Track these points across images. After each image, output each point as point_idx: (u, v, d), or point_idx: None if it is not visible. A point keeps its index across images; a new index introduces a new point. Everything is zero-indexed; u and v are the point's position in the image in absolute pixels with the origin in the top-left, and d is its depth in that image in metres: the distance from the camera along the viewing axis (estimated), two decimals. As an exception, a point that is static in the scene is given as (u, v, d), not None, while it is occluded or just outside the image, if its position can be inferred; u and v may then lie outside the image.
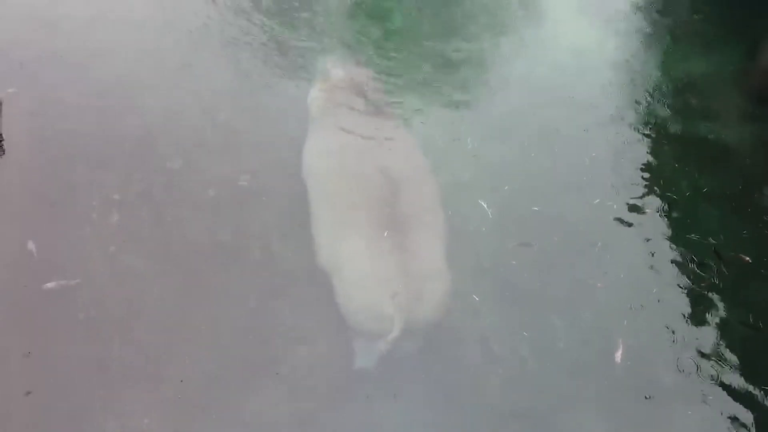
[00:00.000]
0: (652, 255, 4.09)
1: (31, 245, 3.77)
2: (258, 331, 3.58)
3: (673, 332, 3.73)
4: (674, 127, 4.97)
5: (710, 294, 3.90)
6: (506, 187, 4.35)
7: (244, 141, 4.49)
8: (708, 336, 3.71)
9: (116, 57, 4.99)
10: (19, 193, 4.07)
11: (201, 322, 3.58)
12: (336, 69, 4.57)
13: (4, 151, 4.29)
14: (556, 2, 6.01)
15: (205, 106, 4.70)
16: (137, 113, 4.58)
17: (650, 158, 4.71)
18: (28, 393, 3.24)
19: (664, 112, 5.08)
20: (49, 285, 3.61)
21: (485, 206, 4.14)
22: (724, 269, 4.00)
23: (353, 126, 4.09)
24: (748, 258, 4.03)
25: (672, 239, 4.18)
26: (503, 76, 5.21)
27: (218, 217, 4.06)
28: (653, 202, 4.39)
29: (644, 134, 4.87)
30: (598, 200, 4.35)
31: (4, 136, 4.36)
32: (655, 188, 4.49)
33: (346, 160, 3.90)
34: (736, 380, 3.53)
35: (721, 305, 3.86)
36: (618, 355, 3.61)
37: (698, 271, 4.00)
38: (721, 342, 3.69)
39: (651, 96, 5.21)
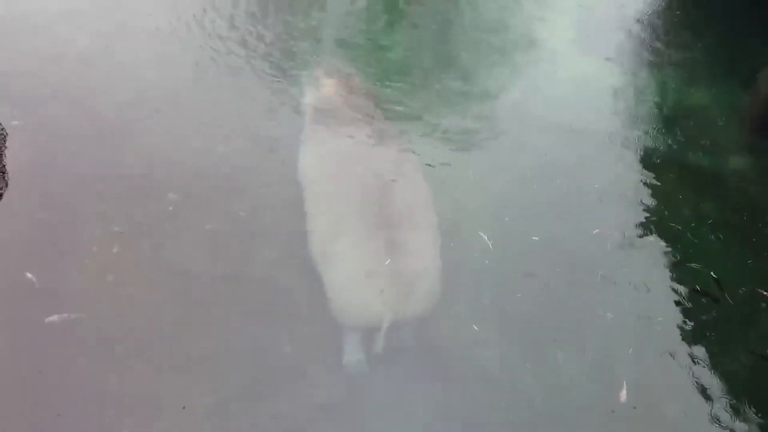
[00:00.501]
0: (656, 286, 4.06)
1: (31, 276, 3.77)
2: (258, 363, 3.56)
3: (680, 366, 3.67)
4: (675, 157, 4.98)
5: (717, 325, 3.85)
6: (507, 218, 4.35)
7: (244, 173, 4.51)
8: (715, 368, 3.65)
9: (118, 90, 5.05)
10: (21, 225, 4.09)
11: (201, 354, 3.56)
12: (326, 77, 4.73)
13: (7, 183, 4.33)
14: (554, 34, 6.06)
15: (205, 138, 4.73)
16: (139, 146, 4.62)
17: (652, 188, 4.70)
18: (31, 424, 3.22)
19: (664, 142, 5.09)
20: (52, 318, 3.61)
21: (485, 238, 4.13)
22: (729, 299, 3.95)
23: (344, 131, 4.28)
24: (766, 292, 3.98)
25: (675, 269, 4.15)
26: (503, 107, 5.24)
27: (218, 249, 4.06)
28: (656, 232, 4.37)
29: (645, 164, 4.88)
30: (597, 230, 4.34)
31: (7, 168, 4.41)
32: (658, 218, 4.48)
33: (337, 162, 4.10)
34: (750, 416, 3.46)
35: (728, 336, 3.81)
36: (623, 395, 3.54)
37: (703, 301, 3.96)
38: (730, 376, 3.62)
39: (651, 126, 5.23)
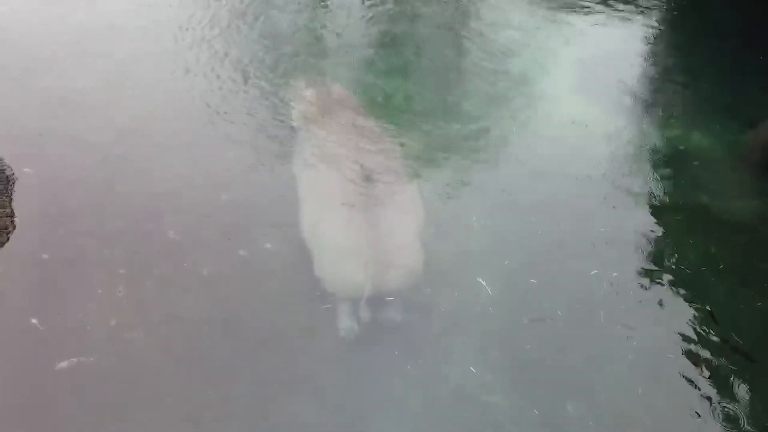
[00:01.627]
0: (662, 329, 4.00)
1: (35, 322, 3.77)
2: (262, 410, 3.51)
3: (691, 413, 3.58)
4: (677, 200, 4.99)
5: (725, 369, 3.79)
6: (506, 262, 4.33)
7: (247, 214, 4.56)
8: (729, 413, 3.57)
9: (124, 133, 5.16)
10: (27, 267, 4.12)
11: (204, 400, 3.52)
12: (308, 89, 5.34)
13: (15, 226, 4.37)
14: (554, 78, 6.16)
15: (210, 180, 4.80)
16: (144, 188, 4.69)
17: (654, 230, 4.69)
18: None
19: (666, 184, 5.10)
20: (62, 364, 3.58)
21: (484, 284, 4.10)
22: (737, 339, 3.90)
23: (328, 130, 4.85)
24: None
25: (683, 312, 4.10)
26: (504, 151, 5.29)
27: (222, 292, 4.07)
28: (658, 275, 4.34)
29: (649, 208, 4.88)
30: (595, 271, 4.31)
31: (16, 212, 4.46)
32: (662, 261, 4.46)
33: (323, 156, 4.64)
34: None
35: (737, 380, 3.73)
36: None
37: (712, 341, 3.91)
38: (741, 417, 3.54)
39: (652, 168, 5.25)
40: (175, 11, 6.83)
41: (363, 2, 7.25)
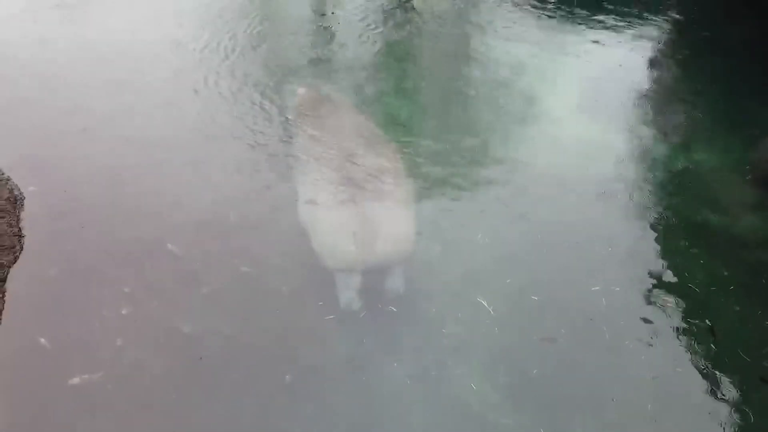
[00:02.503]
0: (670, 349, 3.97)
1: (43, 340, 3.79)
2: (270, 426, 3.50)
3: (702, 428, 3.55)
4: (682, 217, 4.97)
5: (734, 387, 3.75)
6: (508, 280, 4.32)
7: (253, 232, 4.59)
8: (735, 420, 3.54)
9: (131, 152, 5.23)
10: (34, 286, 4.15)
11: (211, 417, 3.51)
12: (301, 88, 5.90)
13: (23, 245, 4.40)
14: (558, 96, 6.19)
15: (218, 199, 4.83)
16: (151, 207, 4.73)
17: (660, 248, 4.68)
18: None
19: (670, 201, 5.10)
20: (70, 383, 3.59)
21: (485, 304, 4.09)
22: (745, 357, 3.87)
23: (319, 122, 5.29)
24: None
25: (689, 333, 4.07)
26: (508, 170, 5.29)
27: (227, 308, 4.08)
28: (665, 292, 4.32)
29: (652, 223, 4.87)
30: (599, 288, 4.29)
31: (23, 231, 4.50)
32: (666, 278, 4.43)
33: (314, 143, 5.08)
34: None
35: (745, 398, 3.70)
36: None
37: (719, 363, 3.88)
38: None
39: (657, 185, 5.25)
40: (184, 32, 6.94)
41: (367, 25, 7.34)
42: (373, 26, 7.42)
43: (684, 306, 4.21)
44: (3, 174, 4.93)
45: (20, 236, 4.46)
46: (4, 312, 3.94)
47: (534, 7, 7.96)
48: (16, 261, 4.29)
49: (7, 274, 4.19)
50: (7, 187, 4.81)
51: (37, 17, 7.22)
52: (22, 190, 4.79)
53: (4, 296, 4.04)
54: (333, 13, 7.70)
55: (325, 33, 7.35)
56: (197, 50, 6.62)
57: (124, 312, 3.99)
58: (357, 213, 4.23)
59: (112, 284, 4.15)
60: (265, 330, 3.99)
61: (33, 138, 5.35)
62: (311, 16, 7.81)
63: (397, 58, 6.85)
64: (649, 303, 4.23)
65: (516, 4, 8.04)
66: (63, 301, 4.06)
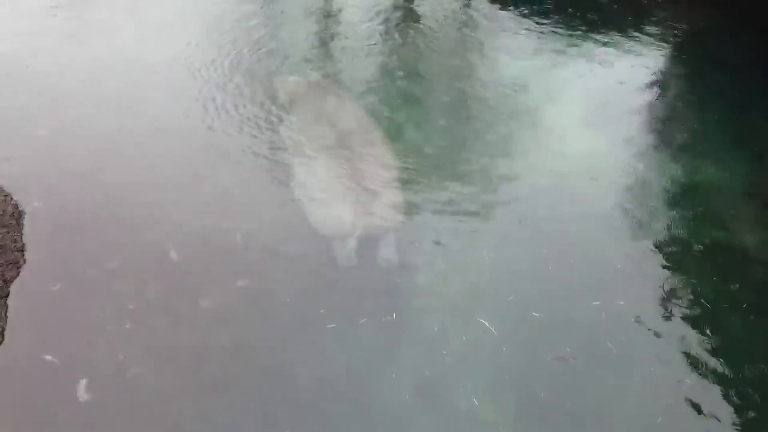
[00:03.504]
0: (679, 366, 3.93)
1: (48, 357, 3.76)
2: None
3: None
4: (689, 233, 4.94)
5: (744, 404, 3.71)
6: (510, 298, 4.29)
7: (256, 247, 4.56)
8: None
9: (134, 168, 5.23)
10: (37, 302, 4.12)
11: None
12: (291, 78, 6.39)
13: (25, 260, 4.38)
14: (563, 112, 6.21)
15: (220, 214, 4.82)
16: (154, 222, 4.71)
17: (667, 265, 4.65)
18: None
19: (677, 217, 5.07)
20: (73, 400, 3.55)
21: (486, 324, 4.06)
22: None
23: (309, 107, 5.83)
24: None
25: (699, 349, 4.03)
26: (513, 186, 5.29)
27: (230, 323, 4.05)
28: (673, 310, 4.29)
29: (659, 241, 4.84)
30: (606, 306, 4.26)
31: (26, 246, 4.48)
32: (674, 295, 4.40)
33: (307, 125, 5.58)
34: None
35: (756, 414, 3.65)
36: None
37: (728, 382, 3.83)
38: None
39: (663, 202, 5.24)
40: (189, 49, 6.97)
41: (372, 41, 7.39)
42: (374, 42, 7.47)
43: (693, 322, 4.18)
44: (5, 190, 4.92)
45: (23, 251, 4.44)
46: (7, 328, 3.91)
47: (535, 24, 8.01)
48: (18, 276, 4.27)
49: (10, 290, 4.16)
50: (11, 202, 4.80)
51: (41, 32, 7.27)
52: (24, 206, 4.78)
53: (6, 312, 4.01)
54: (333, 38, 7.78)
55: (327, 44, 7.41)
56: (203, 68, 6.64)
57: (127, 327, 3.97)
58: (350, 187, 4.77)
59: (115, 299, 4.13)
60: (266, 341, 3.96)
61: (35, 154, 5.35)
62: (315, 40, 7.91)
63: (401, 73, 6.87)
64: (657, 319, 4.20)
65: (517, 21, 8.10)
66: (66, 316, 4.04)
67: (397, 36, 7.63)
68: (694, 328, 4.15)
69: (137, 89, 6.26)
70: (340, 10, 8.61)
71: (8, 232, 4.54)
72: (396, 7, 8.51)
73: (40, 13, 7.68)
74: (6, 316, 3.98)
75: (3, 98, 6.03)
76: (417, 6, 8.73)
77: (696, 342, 4.06)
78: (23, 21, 7.48)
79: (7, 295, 4.12)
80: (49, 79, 6.35)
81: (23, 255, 4.41)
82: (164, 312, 4.08)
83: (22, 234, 4.57)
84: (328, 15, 8.35)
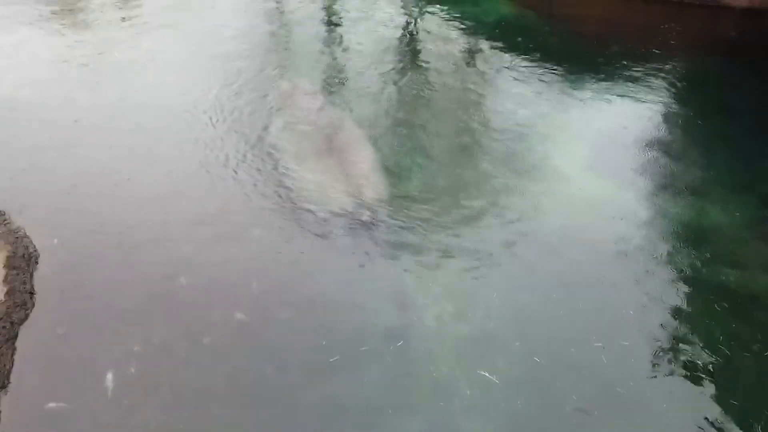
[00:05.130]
0: (691, 408, 3.85)
1: (52, 405, 3.74)
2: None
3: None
4: (700, 276, 4.90)
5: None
6: (517, 344, 4.24)
7: (261, 289, 4.58)
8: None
9: (143, 209, 5.31)
10: (44, 345, 4.12)
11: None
12: (283, 82, 7.49)
13: (34, 303, 4.39)
14: (568, 156, 6.25)
15: (227, 258, 4.85)
16: (161, 265, 4.75)
17: (677, 307, 4.60)
18: None
19: (685, 260, 5.03)
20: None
21: (487, 375, 4.00)
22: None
23: (297, 107, 6.86)
24: None
25: (711, 392, 3.95)
26: (520, 228, 5.28)
27: (231, 361, 4.04)
28: (684, 352, 4.22)
29: (670, 284, 4.79)
30: (601, 344, 4.21)
31: (36, 288, 4.50)
32: (686, 338, 4.34)
33: (296, 123, 6.54)
34: None
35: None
36: None
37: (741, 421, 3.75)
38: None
39: (671, 244, 5.20)
40: (194, 89, 7.14)
41: (381, 89, 7.53)
42: (379, 88, 7.61)
43: (703, 365, 4.11)
44: (20, 231, 4.98)
45: (32, 293, 4.46)
46: (12, 371, 3.89)
47: (542, 69, 8.15)
48: (27, 318, 4.27)
49: (18, 331, 4.16)
50: (23, 243, 4.85)
51: (59, 80, 7.48)
52: (36, 248, 4.83)
53: (13, 354, 4.00)
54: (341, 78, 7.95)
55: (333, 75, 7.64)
56: (210, 109, 6.79)
57: (132, 371, 3.94)
58: (339, 169, 5.72)
59: (121, 342, 4.12)
60: (268, 381, 3.93)
61: (48, 197, 5.44)
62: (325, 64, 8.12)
63: (407, 118, 6.98)
64: (668, 362, 4.13)
65: (524, 65, 8.25)
66: (71, 361, 4.03)
67: (401, 82, 7.78)
68: (708, 372, 4.08)
69: (148, 133, 6.40)
70: (346, 50, 8.86)
71: (18, 274, 4.57)
72: (400, 52, 8.72)
73: (59, 61, 7.93)
74: (12, 359, 3.97)
75: (20, 142, 6.17)
76: (421, 50, 8.93)
77: (710, 387, 3.98)
78: (43, 69, 7.73)
79: (15, 337, 4.12)
80: (65, 124, 6.51)
81: (32, 297, 4.43)
82: (169, 353, 4.07)
83: (32, 276, 4.60)
84: (334, 59, 8.57)
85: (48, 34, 8.87)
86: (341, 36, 9.40)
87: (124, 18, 9.57)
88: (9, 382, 3.82)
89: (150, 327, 4.25)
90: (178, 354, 4.09)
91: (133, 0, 10.33)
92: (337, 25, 9.86)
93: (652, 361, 4.15)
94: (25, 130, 6.43)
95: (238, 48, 8.42)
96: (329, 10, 10.50)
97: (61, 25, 9.25)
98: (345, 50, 8.92)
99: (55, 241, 4.93)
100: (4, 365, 3.91)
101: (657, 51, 8.92)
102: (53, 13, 9.65)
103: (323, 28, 9.71)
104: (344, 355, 4.08)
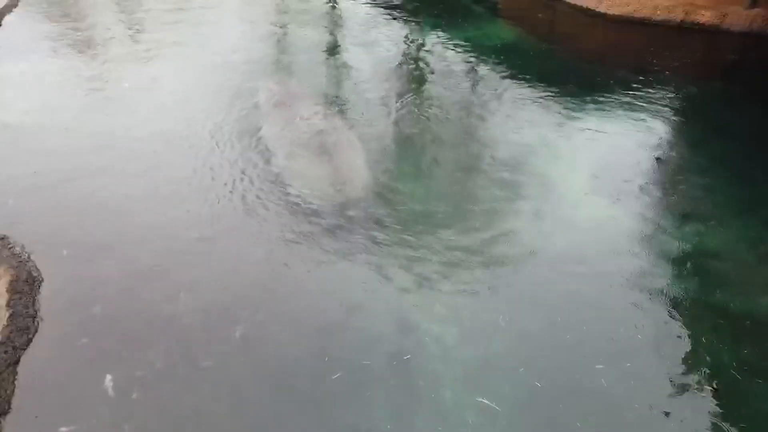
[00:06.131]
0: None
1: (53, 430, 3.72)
2: None
3: None
4: (704, 300, 4.87)
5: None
6: (521, 369, 4.20)
7: (264, 315, 4.56)
8: None
9: (148, 237, 5.32)
10: (46, 371, 4.10)
11: None
12: (268, 84, 8.06)
13: (37, 329, 4.39)
14: (571, 180, 6.27)
15: (230, 284, 4.85)
16: (164, 291, 4.75)
17: (681, 331, 4.56)
18: None
19: (689, 283, 5.01)
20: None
21: (487, 402, 3.97)
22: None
23: (284, 106, 7.42)
24: None
25: (719, 418, 3.90)
26: (525, 252, 5.26)
27: (232, 384, 4.01)
28: (690, 377, 4.18)
29: (674, 307, 4.76)
30: (601, 366, 4.18)
31: (39, 312, 4.50)
32: (692, 363, 4.30)
33: (285, 122, 7.00)
34: None
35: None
36: None
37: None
38: None
39: (674, 267, 5.18)
40: (201, 117, 7.22)
41: (388, 115, 7.60)
42: (387, 114, 7.68)
43: (710, 390, 4.06)
44: (23, 255, 5.00)
45: (35, 318, 4.46)
46: (14, 397, 3.87)
47: (543, 92, 8.23)
48: (29, 343, 4.27)
49: (21, 356, 4.16)
50: (26, 268, 4.86)
51: (64, 106, 7.58)
52: (40, 272, 4.85)
53: (15, 379, 3.99)
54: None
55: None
56: (215, 138, 6.85)
57: (134, 396, 3.92)
58: (327, 164, 6.09)
59: (123, 367, 4.11)
60: (272, 404, 3.91)
61: (52, 222, 5.48)
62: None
63: (411, 143, 7.03)
64: (674, 387, 4.09)
65: (524, 88, 8.33)
66: (74, 386, 4.01)
67: (400, 104, 7.85)
68: (716, 398, 4.03)
69: (150, 159, 6.47)
70: (346, 72, 8.96)
71: (21, 299, 4.57)
72: (400, 76, 8.82)
73: (66, 88, 8.04)
74: (14, 384, 3.95)
75: (25, 167, 6.23)
76: (421, 73, 9.03)
77: (718, 413, 3.93)
78: (50, 96, 7.83)
79: (17, 362, 4.11)
80: (70, 150, 6.58)
81: (35, 321, 4.43)
82: (171, 379, 4.05)
83: (35, 300, 4.60)
84: (334, 82, 8.67)
85: (57, 63, 9.00)
86: (342, 60, 9.53)
87: (132, 45, 9.74)
88: (10, 408, 3.80)
89: (151, 350, 4.23)
90: (179, 377, 4.06)
91: (142, 33, 10.52)
92: (338, 49, 9.99)
93: (657, 386, 4.11)
94: (31, 155, 6.50)
95: (241, 74, 8.52)
96: (331, 35, 10.66)
97: (70, 53, 9.40)
98: (345, 72, 9.03)
99: (58, 267, 4.94)
100: (5, 390, 3.89)
101: (657, 74, 9.01)
102: (62, 42, 9.82)
103: (323, 54, 9.83)
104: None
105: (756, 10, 10.30)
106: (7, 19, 10.60)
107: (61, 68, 8.76)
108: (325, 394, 3.96)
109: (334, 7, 12.40)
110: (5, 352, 4.13)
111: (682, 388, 4.09)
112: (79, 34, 10.10)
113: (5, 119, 7.23)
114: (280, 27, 11.08)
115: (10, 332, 4.28)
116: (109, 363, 4.14)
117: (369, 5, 12.28)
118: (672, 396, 4.04)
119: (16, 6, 11.20)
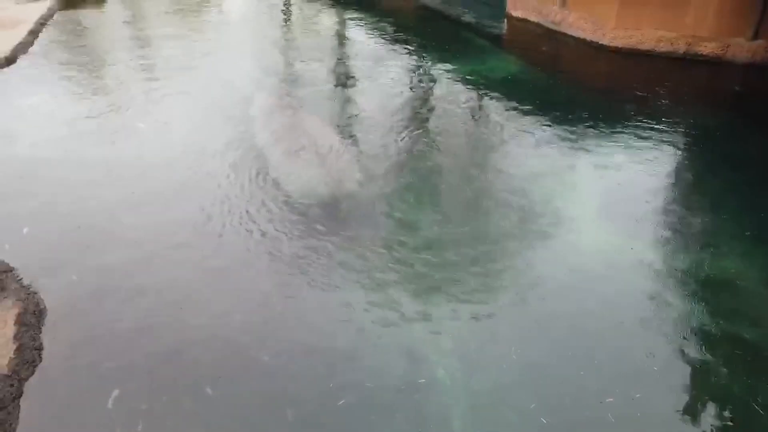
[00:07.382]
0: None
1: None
2: None
3: None
4: (717, 332, 4.79)
5: None
6: (532, 406, 4.12)
7: (273, 349, 4.53)
8: None
9: (155, 267, 5.34)
10: (50, 403, 4.07)
11: None
12: (259, 95, 9.08)
13: (41, 359, 4.38)
14: (576, 211, 6.27)
15: (239, 318, 4.84)
16: (173, 324, 4.74)
17: (695, 364, 4.49)
18: None
19: (703, 315, 4.94)
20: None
21: None
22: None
23: (274, 113, 8.36)
24: None
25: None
26: (532, 280, 5.25)
27: (240, 415, 3.96)
28: (703, 410, 4.10)
29: (685, 339, 4.70)
30: (611, 399, 4.10)
31: (44, 345, 4.49)
32: (705, 396, 4.22)
33: (276, 127, 7.86)
34: None
35: None
36: None
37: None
38: None
39: (687, 298, 5.12)
40: (206, 153, 7.31)
41: (388, 144, 7.67)
42: (393, 141, 7.75)
43: (724, 425, 3.98)
44: (30, 287, 5.01)
45: (40, 350, 4.45)
46: (17, 430, 3.84)
47: (549, 123, 8.29)
48: (33, 375, 4.25)
49: (24, 389, 4.13)
50: (33, 300, 4.88)
51: (71, 138, 7.70)
52: (47, 303, 4.86)
53: (19, 413, 3.96)
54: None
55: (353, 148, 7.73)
56: (229, 173, 6.93)
57: (139, 429, 3.88)
58: (318, 166, 6.68)
59: (128, 400, 4.07)
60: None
61: (59, 253, 5.50)
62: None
63: (417, 172, 7.07)
64: (686, 422, 4.01)
65: (530, 120, 8.39)
66: (78, 420, 3.97)
67: (406, 135, 7.92)
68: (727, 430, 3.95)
69: (156, 187, 6.55)
70: (351, 106, 9.08)
71: (27, 331, 4.57)
72: (406, 108, 8.91)
73: (75, 121, 8.18)
74: (18, 418, 3.92)
75: (33, 199, 6.30)
76: (426, 105, 9.13)
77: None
78: (59, 129, 7.96)
79: (21, 395, 4.08)
80: (78, 182, 6.65)
81: (40, 354, 4.41)
82: (176, 411, 4.01)
83: (41, 332, 4.60)
84: (341, 115, 8.77)
85: (65, 97, 9.18)
86: (347, 94, 9.65)
87: (141, 77, 9.92)
88: (14, 441, 3.78)
89: (157, 383, 4.20)
90: (184, 409, 4.02)
91: (151, 69, 10.72)
92: (345, 82, 10.14)
93: (671, 419, 4.03)
94: (39, 187, 6.58)
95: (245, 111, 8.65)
96: (336, 69, 10.82)
97: (80, 87, 9.59)
98: (350, 106, 9.14)
99: (65, 298, 4.95)
100: (10, 424, 3.86)
101: (662, 105, 9.08)
102: (71, 76, 10.03)
103: (330, 87, 9.97)
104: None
105: (759, 42, 10.40)
106: (23, 57, 10.87)
107: (72, 101, 8.93)
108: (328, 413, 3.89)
109: (342, 43, 12.67)
110: (11, 385, 4.11)
111: (695, 424, 4.01)
112: (93, 74, 10.31)
113: (15, 152, 7.35)
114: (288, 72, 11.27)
115: (17, 365, 4.27)
116: (113, 395, 4.10)
117: (374, 40, 12.52)
118: (680, 428, 3.96)
119: (32, 45, 11.48)
